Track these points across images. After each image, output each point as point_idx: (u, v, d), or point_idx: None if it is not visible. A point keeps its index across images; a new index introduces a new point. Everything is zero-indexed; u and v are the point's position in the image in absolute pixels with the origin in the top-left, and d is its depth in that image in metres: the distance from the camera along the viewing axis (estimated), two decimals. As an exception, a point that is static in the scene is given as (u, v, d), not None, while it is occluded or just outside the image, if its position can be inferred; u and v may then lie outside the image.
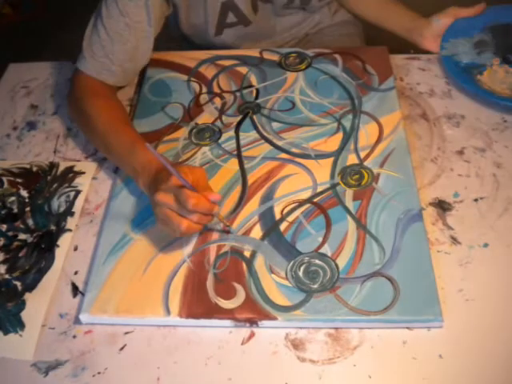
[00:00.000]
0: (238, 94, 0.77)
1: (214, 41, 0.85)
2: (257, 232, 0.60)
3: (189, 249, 0.59)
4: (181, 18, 0.82)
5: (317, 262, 0.57)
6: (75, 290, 0.58)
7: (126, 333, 0.55)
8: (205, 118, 0.74)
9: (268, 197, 0.63)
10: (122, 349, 0.54)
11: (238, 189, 0.64)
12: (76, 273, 0.60)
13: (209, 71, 0.81)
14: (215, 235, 0.60)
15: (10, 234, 0.63)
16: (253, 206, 0.62)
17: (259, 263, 0.57)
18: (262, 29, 0.88)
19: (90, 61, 0.70)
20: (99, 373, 0.52)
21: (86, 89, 0.71)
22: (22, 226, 0.64)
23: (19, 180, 0.69)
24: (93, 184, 0.69)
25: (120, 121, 0.67)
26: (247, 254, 0.58)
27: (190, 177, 0.54)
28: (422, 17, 0.84)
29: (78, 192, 0.67)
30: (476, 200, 0.64)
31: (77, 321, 0.56)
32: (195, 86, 0.78)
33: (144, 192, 0.60)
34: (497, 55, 0.79)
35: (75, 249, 0.62)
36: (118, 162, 0.66)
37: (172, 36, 0.94)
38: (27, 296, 0.58)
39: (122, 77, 0.74)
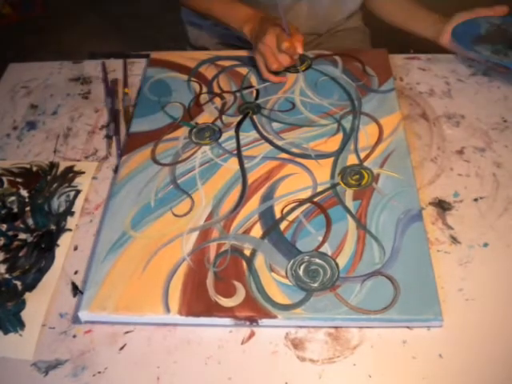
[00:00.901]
0: (238, 94, 0.77)
1: None
2: (257, 231, 0.60)
3: (189, 247, 0.59)
4: None
5: (317, 260, 0.57)
6: (75, 289, 0.58)
7: (126, 332, 0.55)
8: (205, 117, 0.74)
9: (268, 196, 0.63)
10: (121, 348, 0.54)
11: (238, 188, 0.64)
12: (76, 272, 0.60)
13: (209, 71, 0.81)
14: (215, 233, 0.60)
15: (10, 233, 0.63)
16: (253, 205, 0.62)
17: (259, 262, 0.57)
18: None
19: None
20: (99, 372, 0.52)
21: None
22: (21, 225, 0.64)
23: (19, 180, 0.69)
24: (93, 184, 0.69)
25: None
26: (247, 252, 0.58)
27: (292, 28, 0.72)
28: (443, 19, 0.82)
29: (77, 192, 0.67)
30: (476, 200, 0.64)
31: (77, 320, 0.55)
32: (195, 85, 0.79)
33: (246, 36, 0.79)
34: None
35: (75, 248, 0.62)
36: (221, 18, 0.84)
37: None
38: (27, 295, 0.58)
39: None
